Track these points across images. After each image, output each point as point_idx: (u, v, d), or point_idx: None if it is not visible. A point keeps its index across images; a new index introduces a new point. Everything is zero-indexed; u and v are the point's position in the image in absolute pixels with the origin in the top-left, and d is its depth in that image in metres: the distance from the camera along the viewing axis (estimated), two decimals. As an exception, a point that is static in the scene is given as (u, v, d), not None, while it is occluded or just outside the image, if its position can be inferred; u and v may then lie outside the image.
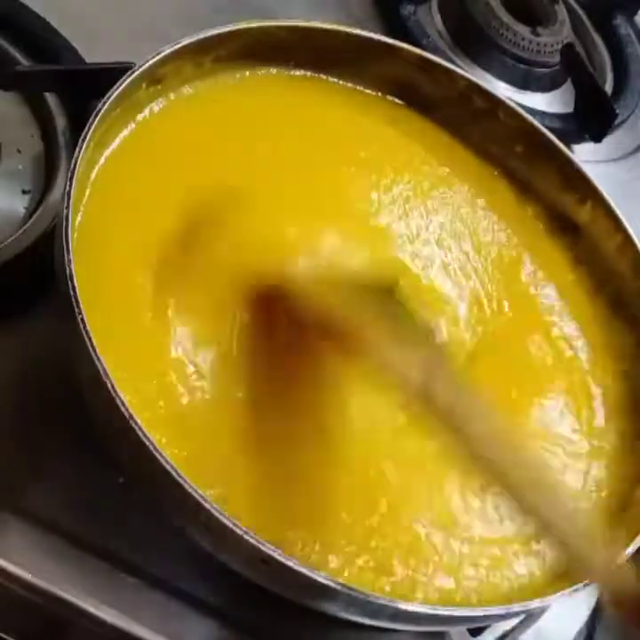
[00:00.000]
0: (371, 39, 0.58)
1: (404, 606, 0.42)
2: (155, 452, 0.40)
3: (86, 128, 0.46)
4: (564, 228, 0.59)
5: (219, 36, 0.53)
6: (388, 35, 0.59)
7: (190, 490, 0.40)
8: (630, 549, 0.46)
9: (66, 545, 0.47)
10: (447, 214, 0.58)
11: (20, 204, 0.55)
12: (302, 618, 0.47)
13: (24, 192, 0.56)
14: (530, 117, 0.59)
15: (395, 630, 0.46)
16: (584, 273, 0.59)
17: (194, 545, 0.44)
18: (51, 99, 0.59)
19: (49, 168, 0.57)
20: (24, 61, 0.60)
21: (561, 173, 0.59)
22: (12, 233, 0.53)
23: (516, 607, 0.45)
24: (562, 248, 0.59)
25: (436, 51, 0.74)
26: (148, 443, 0.40)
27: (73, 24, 0.61)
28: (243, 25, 0.53)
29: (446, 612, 0.43)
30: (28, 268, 0.52)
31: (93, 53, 0.60)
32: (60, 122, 0.58)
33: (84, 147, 0.45)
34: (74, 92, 0.58)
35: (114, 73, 0.50)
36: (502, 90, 0.76)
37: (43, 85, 0.59)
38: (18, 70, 0.58)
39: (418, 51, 0.59)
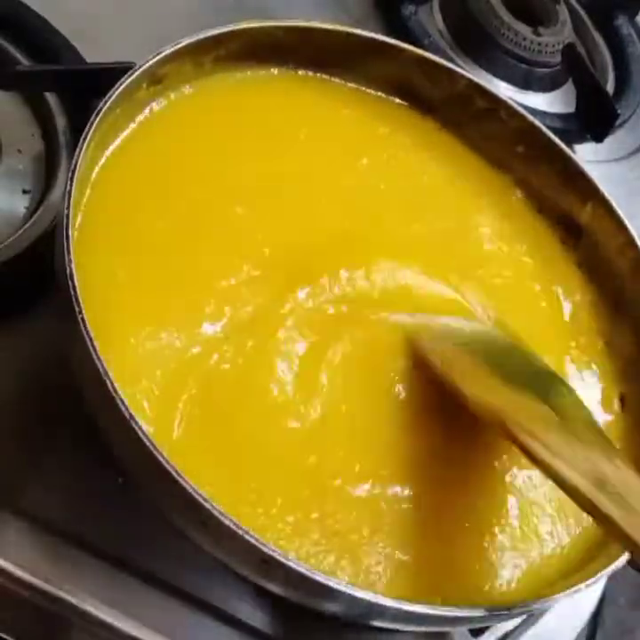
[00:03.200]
0: (371, 39, 0.57)
1: (405, 607, 0.42)
2: (155, 452, 0.40)
3: (87, 128, 0.46)
4: (565, 227, 0.59)
5: (219, 35, 0.53)
6: (388, 34, 0.59)
7: (190, 490, 0.39)
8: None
9: (66, 545, 0.47)
10: (448, 213, 0.57)
11: (20, 204, 0.55)
12: (303, 618, 0.47)
13: (24, 192, 0.56)
14: (531, 117, 0.59)
15: (395, 630, 0.46)
16: (585, 273, 0.59)
17: (194, 545, 0.44)
18: (51, 99, 0.59)
19: (49, 168, 0.57)
20: (24, 61, 0.60)
21: (562, 174, 0.59)
22: (12, 233, 0.53)
23: (517, 608, 0.45)
24: (563, 248, 0.59)
25: (436, 51, 0.74)
26: (148, 443, 0.40)
27: (73, 24, 0.62)
28: (243, 25, 0.53)
29: (448, 613, 0.43)
30: (28, 268, 0.52)
31: (93, 53, 0.60)
32: (61, 122, 0.58)
33: (84, 146, 0.45)
34: (74, 91, 0.58)
35: (114, 73, 0.50)
36: (503, 90, 0.76)
37: (43, 85, 0.59)
38: (18, 70, 0.58)
39: (419, 51, 0.59)
